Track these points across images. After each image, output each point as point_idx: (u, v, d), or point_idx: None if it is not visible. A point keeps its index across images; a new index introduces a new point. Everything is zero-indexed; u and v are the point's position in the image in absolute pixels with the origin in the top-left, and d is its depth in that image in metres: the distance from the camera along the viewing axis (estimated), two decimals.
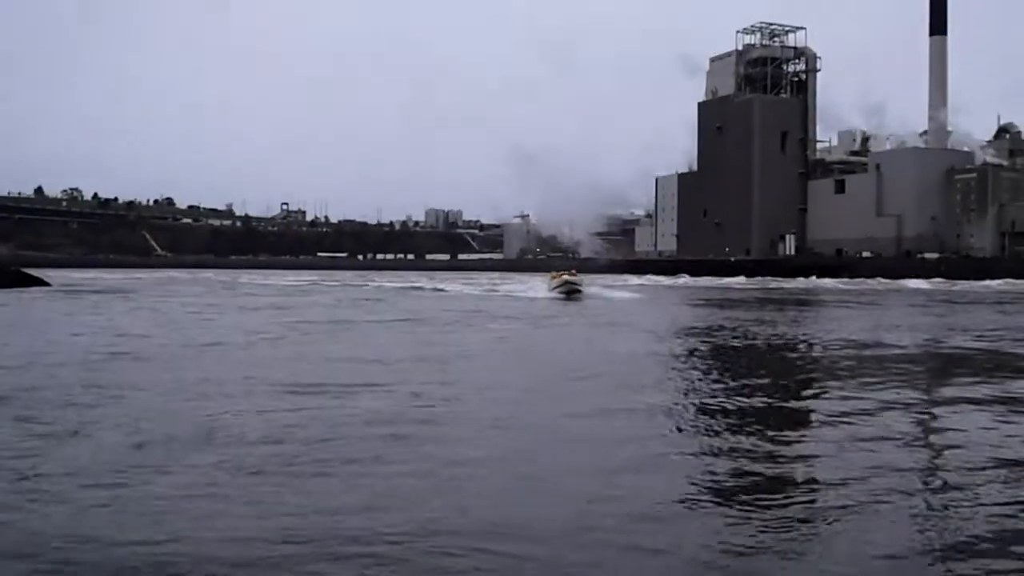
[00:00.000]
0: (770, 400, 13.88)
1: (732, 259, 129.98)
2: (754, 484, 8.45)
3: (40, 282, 63.27)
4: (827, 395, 14.57)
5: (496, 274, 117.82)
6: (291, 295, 55.69)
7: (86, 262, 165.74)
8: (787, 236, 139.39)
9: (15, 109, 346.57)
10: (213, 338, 23.64)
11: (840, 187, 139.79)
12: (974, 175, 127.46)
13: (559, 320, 33.70)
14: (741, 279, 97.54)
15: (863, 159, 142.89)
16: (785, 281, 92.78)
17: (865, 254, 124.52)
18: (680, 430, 11.30)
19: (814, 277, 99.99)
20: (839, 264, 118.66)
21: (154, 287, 67.86)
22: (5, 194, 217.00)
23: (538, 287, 56.94)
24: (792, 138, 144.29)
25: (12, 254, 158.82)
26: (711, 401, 13.53)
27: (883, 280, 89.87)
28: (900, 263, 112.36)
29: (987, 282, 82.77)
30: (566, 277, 54.40)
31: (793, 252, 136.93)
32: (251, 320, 32.38)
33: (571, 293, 51.47)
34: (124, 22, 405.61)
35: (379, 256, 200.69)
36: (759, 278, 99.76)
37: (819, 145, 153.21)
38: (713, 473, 8.78)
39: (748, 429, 11.18)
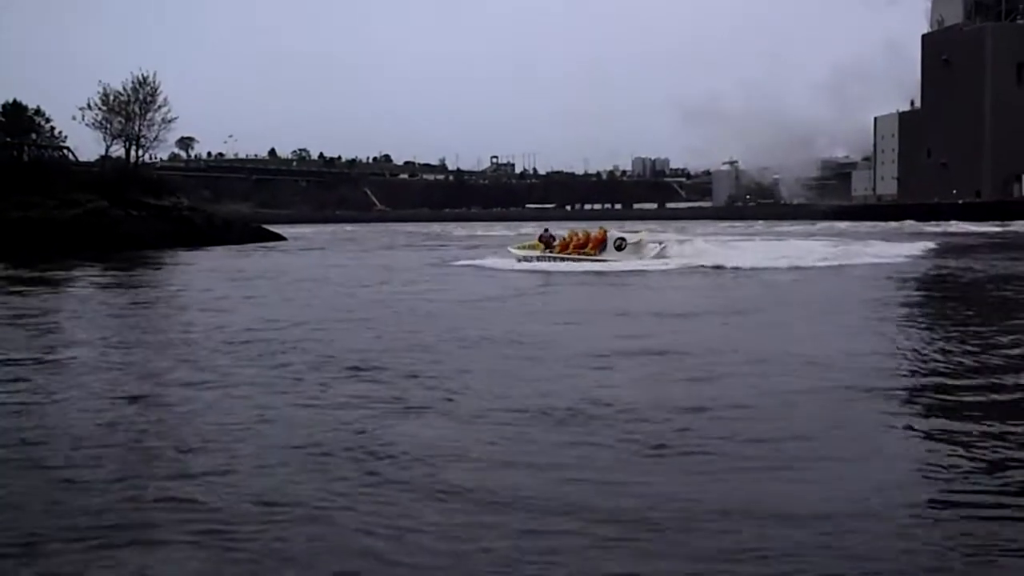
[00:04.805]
0: None
1: (960, 202, 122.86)
2: None
3: (278, 237, 64.31)
4: None
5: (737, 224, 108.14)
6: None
7: (315, 217, 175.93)
8: None
9: (248, 75, 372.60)
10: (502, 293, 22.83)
11: None
12: None
13: None
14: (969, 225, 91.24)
15: None
16: None
17: None
18: None
19: None
20: None
21: (398, 239, 67.89)
22: (243, 156, 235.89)
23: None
24: None
25: (252, 212, 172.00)
26: None
27: None
28: None
29: None
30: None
31: None
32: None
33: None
34: None
35: (587, 206, 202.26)
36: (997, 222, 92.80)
37: None
38: None
39: None
